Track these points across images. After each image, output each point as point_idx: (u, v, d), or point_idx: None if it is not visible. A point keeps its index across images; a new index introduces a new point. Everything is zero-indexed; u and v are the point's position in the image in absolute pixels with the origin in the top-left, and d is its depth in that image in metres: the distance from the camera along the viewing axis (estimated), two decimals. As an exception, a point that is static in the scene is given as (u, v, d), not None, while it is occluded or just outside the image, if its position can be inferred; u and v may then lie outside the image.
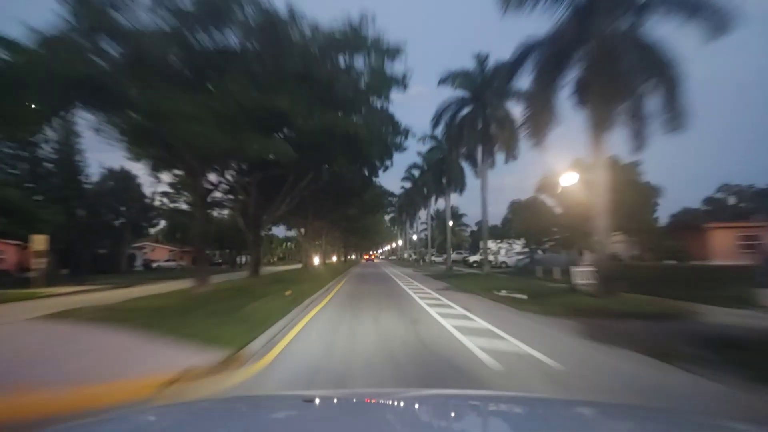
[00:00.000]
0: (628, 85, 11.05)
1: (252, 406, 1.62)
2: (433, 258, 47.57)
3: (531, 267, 26.34)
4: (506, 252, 31.50)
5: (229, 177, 17.13)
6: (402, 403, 1.61)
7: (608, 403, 2.62)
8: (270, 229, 53.69)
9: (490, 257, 34.14)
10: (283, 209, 17.28)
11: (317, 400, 1.55)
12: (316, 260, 49.96)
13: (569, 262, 25.12)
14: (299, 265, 35.14)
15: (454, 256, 36.87)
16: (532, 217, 23.34)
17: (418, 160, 40.12)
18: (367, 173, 19.13)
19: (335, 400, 1.72)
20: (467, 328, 7.19)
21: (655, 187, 18.90)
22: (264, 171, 13.77)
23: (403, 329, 7.15)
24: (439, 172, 33.49)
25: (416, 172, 42.77)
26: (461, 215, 65.44)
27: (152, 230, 37.57)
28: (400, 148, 15.38)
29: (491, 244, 39.83)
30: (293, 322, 7.69)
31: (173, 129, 7.53)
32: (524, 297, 12.00)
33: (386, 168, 18.09)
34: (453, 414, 1.48)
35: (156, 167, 15.18)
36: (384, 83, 10.52)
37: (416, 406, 1.61)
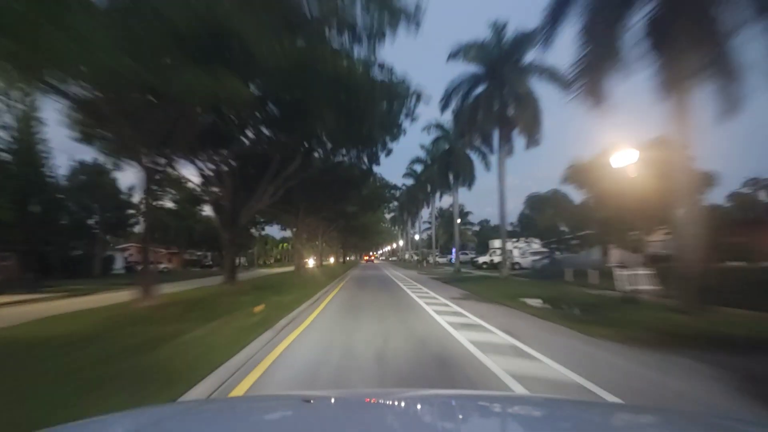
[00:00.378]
0: (722, 24, 8.13)
1: (251, 406, 1.59)
2: (437, 259, 44.54)
3: (552, 269, 23.37)
4: (522, 252, 28.45)
5: (200, 164, 14.21)
6: (403, 403, 1.56)
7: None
8: (263, 229, 50.78)
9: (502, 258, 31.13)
10: (266, 201, 14.33)
11: (317, 400, 1.49)
12: (312, 262, 47.12)
13: (597, 263, 22.20)
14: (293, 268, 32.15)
15: (460, 256, 33.83)
16: (556, 212, 20.49)
17: (421, 154, 37.18)
18: (366, 159, 16.17)
19: (335, 400, 1.65)
20: (538, 380, 4.22)
21: (710, 174, 15.90)
22: (236, 147, 10.87)
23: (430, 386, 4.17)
24: (446, 165, 30.49)
25: (419, 168, 39.80)
26: (467, 213, 62.50)
27: (130, 230, 34.49)
28: (410, 116, 12.26)
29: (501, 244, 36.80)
30: (244, 369, 4.67)
31: (49, 51, 4.64)
32: (574, 311, 9.09)
33: (389, 152, 15.13)
34: (454, 414, 1.43)
35: (110, 149, 12.16)
36: (389, 14, 7.52)
37: (417, 406, 1.55)
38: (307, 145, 13.16)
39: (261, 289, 13.93)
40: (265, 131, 11.68)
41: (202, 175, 14.50)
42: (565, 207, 19.96)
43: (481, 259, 33.47)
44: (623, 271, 13.01)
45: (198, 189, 17.19)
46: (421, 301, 11.40)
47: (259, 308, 8.19)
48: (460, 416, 1.40)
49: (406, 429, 1.26)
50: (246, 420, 1.31)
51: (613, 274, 13.44)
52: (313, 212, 22.60)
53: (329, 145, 14.07)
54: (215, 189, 14.34)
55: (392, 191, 36.24)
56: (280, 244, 77.60)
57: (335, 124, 9.06)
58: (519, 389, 3.99)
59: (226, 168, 14.32)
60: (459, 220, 33.22)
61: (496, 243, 39.24)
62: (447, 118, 41.77)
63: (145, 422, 1.25)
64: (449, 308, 9.96)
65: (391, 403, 1.59)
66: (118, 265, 36.57)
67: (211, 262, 50.08)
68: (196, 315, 7.46)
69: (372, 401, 1.62)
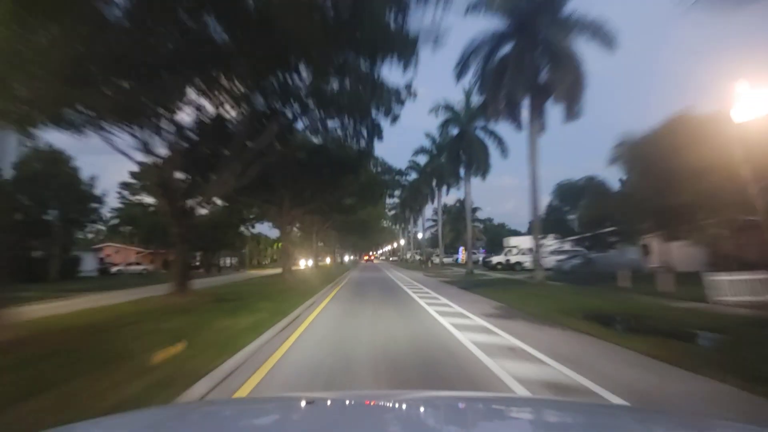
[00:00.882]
0: None
1: (253, 408, 1.58)
2: (443, 259, 40.86)
3: (585, 270, 19.74)
4: (546, 251, 24.78)
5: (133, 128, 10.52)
6: (405, 405, 1.52)
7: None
8: (253, 227, 47.20)
9: (521, 258, 27.52)
10: (231, 183, 10.69)
11: (319, 402, 1.46)
12: (307, 262, 43.42)
13: (635, 263, 18.60)
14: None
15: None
16: (593, 202, 16.92)
17: (426, 144, 33.46)
18: (365, 132, 12.50)
19: (337, 402, 1.59)
20: None
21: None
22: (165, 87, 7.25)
23: None
24: (456, 153, 26.84)
25: (422, 159, 36.08)
26: (475, 209, 58.74)
27: (93, 226, 30.74)
28: (436, 40, 8.50)
29: (518, 241, 33.15)
30: None
31: None
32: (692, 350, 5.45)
33: (395, 118, 11.50)
34: (457, 417, 1.40)
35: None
36: None
37: (419, 408, 1.52)
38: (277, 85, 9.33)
39: (222, 301, 10.26)
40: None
41: (146, 149, 10.80)
42: (608, 196, 16.30)
43: (495, 259, 29.78)
44: (723, 276, 9.38)
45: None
46: (445, 322, 7.74)
47: (170, 352, 4.48)
48: (464, 419, 1.37)
49: (408, 431, 1.23)
50: (247, 421, 1.29)
51: (703, 279, 9.81)
52: (301, 204, 18.91)
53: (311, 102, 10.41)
54: (159, 165, 10.60)
55: (397, 177, 32.26)
56: (275, 244, 73.95)
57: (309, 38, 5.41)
58: None
59: (169, 131, 10.61)
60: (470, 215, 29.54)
61: (512, 240, 35.58)
62: (457, 97, 37.67)
63: (146, 423, 1.22)
64: (498, 338, 6.28)
65: (394, 405, 1.51)
66: (89, 266, 32.84)
67: (198, 263, 46.30)
68: (29, 375, 3.79)
69: (374, 403, 1.56)
